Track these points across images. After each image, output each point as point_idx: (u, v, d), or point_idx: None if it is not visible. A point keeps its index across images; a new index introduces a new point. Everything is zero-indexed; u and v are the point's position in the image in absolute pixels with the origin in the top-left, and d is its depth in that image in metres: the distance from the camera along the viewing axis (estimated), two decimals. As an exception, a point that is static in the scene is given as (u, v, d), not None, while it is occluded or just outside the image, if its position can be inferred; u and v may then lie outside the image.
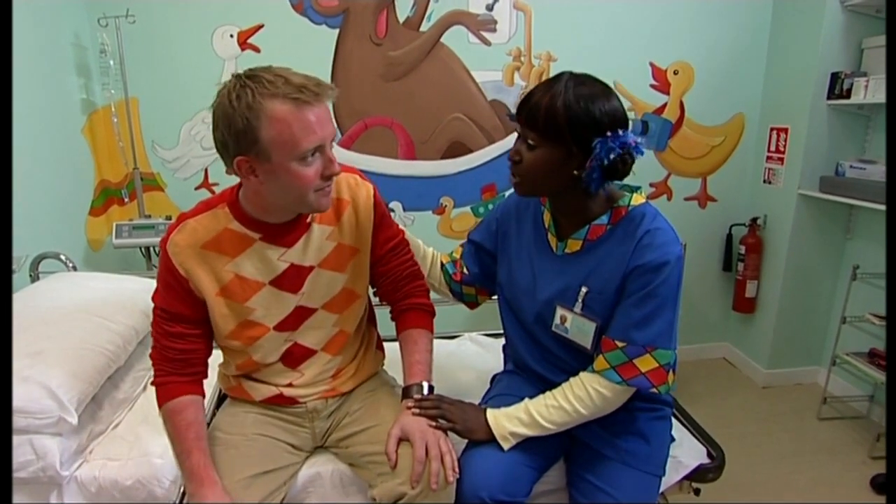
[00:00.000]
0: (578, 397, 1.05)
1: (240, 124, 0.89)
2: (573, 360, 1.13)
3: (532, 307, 1.14)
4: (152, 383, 1.09)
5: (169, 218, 2.37)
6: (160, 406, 1.07)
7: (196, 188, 2.58)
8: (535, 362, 1.20)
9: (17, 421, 1.11)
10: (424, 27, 2.49)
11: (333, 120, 0.98)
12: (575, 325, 1.08)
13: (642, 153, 0.96)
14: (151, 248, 2.40)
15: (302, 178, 0.94)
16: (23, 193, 1.86)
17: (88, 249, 2.37)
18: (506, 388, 1.26)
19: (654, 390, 1.01)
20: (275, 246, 1.07)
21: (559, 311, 1.10)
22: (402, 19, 2.48)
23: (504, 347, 1.42)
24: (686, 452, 1.23)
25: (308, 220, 1.09)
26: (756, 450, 2.26)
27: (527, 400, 1.11)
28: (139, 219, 2.34)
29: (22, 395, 1.12)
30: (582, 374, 1.08)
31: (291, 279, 1.09)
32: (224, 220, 1.05)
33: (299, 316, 1.12)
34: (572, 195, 1.04)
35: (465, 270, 1.32)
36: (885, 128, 2.21)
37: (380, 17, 2.47)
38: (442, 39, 2.51)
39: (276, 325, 1.11)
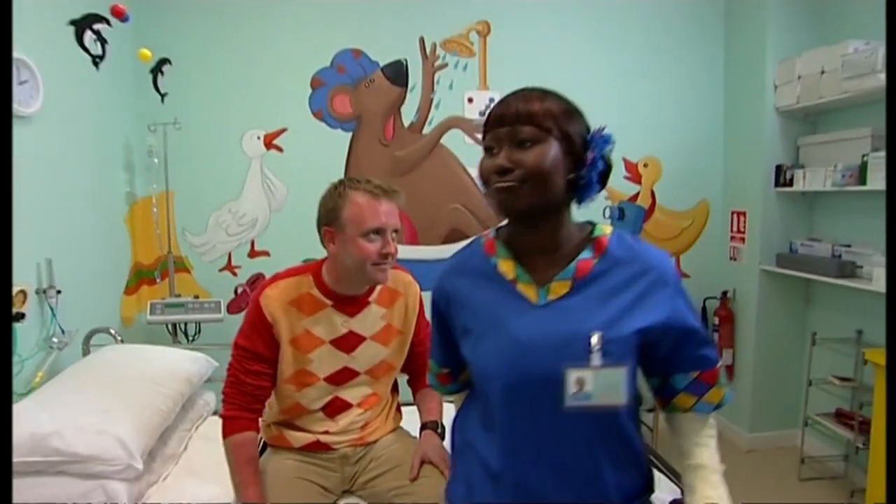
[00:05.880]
0: (710, 435, 0.96)
1: (330, 204, 1.25)
2: (588, 454, 0.86)
3: (532, 384, 0.85)
4: (221, 415, 1.30)
5: (197, 297, 2.62)
6: (225, 437, 1.28)
7: (220, 270, 2.85)
8: (542, 470, 0.87)
9: (92, 467, 1.31)
10: (426, 130, 2.90)
11: (397, 217, 1.30)
12: (599, 384, 0.82)
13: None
14: (177, 325, 2.62)
15: (364, 251, 1.24)
16: (73, 274, 2.10)
17: (121, 325, 2.59)
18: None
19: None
20: (341, 313, 1.33)
21: (572, 375, 0.82)
22: (406, 124, 2.89)
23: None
24: (662, 489, 1.43)
25: (369, 298, 1.37)
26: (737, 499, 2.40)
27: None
28: (170, 298, 2.59)
29: (97, 445, 1.32)
30: (695, 420, 0.94)
31: (347, 342, 1.35)
32: (307, 286, 1.32)
33: (346, 375, 1.37)
34: (556, 219, 0.88)
35: (443, 370, 1.07)
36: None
37: (388, 122, 2.87)
38: (441, 141, 2.90)
39: (326, 377, 1.34)
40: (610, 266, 0.88)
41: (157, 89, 2.56)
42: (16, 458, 1.28)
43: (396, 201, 1.27)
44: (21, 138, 1.87)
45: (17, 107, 1.81)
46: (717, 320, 3.05)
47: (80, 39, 1.85)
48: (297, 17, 2.79)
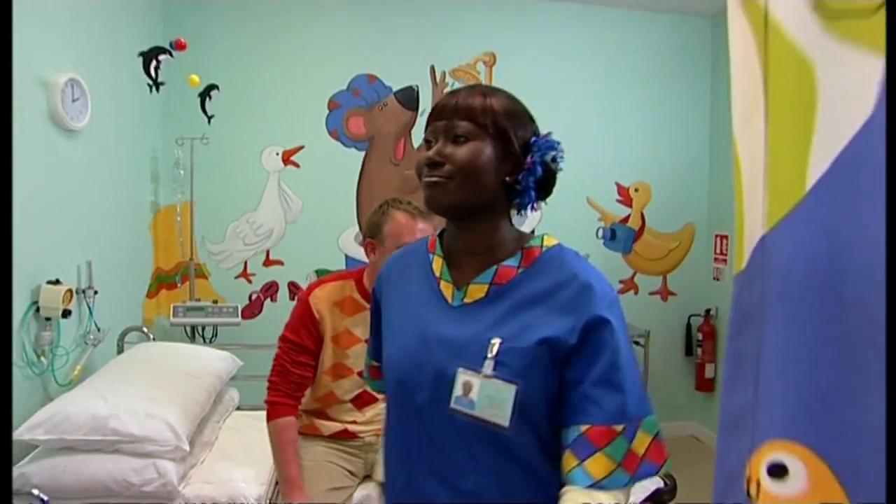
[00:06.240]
0: None
1: (374, 220, 1.45)
2: (473, 468, 0.79)
3: (423, 381, 0.82)
4: (266, 401, 1.47)
5: (215, 302, 2.78)
6: (270, 420, 1.45)
7: (236, 277, 3.02)
8: (426, 473, 0.82)
9: (145, 447, 1.47)
10: (434, 151, 3.10)
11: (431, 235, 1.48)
12: (484, 394, 0.77)
13: (561, 168, 0.86)
14: (195, 328, 2.78)
15: None
16: (104, 277, 2.25)
17: (143, 326, 2.74)
18: None
19: (661, 472, 0.79)
20: None
21: (461, 377, 0.78)
22: (416, 145, 3.09)
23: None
24: (644, 482, 1.62)
25: None
26: None
27: None
28: (190, 302, 2.75)
29: (149, 427, 1.49)
30: (572, 496, 0.75)
31: None
32: (349, 290, 1.51)
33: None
34: (488, 222, 0.84)
35: (372, 362, 1.04)
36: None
37: (399, 143, 3.08)
38: (448, 161, 3.11)
39: (359, 372, 1.52)
40: (533, 277, 0.82)
41: (204, 111, 2.77)
42: (78, 436, 1.44)
43: (432, 222, 1.46)
44: (69, 151, 2.06)
45: (70, 121, 1.99)
46: (700, 336, 3.27)
47: (146, 68, 2.07)
48: (317, 44, 3.00)
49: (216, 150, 2.89)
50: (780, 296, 0.57)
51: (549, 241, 0.86)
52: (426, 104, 3.09)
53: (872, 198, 0.49)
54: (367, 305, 1.50)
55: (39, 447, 1.51)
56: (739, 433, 0.61)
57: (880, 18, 0.48)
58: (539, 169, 0.81)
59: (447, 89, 3.09)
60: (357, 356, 1.51)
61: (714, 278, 3.32)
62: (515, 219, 0.88)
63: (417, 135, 3.09)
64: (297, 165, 3.01)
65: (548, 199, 0.87)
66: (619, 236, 3.32)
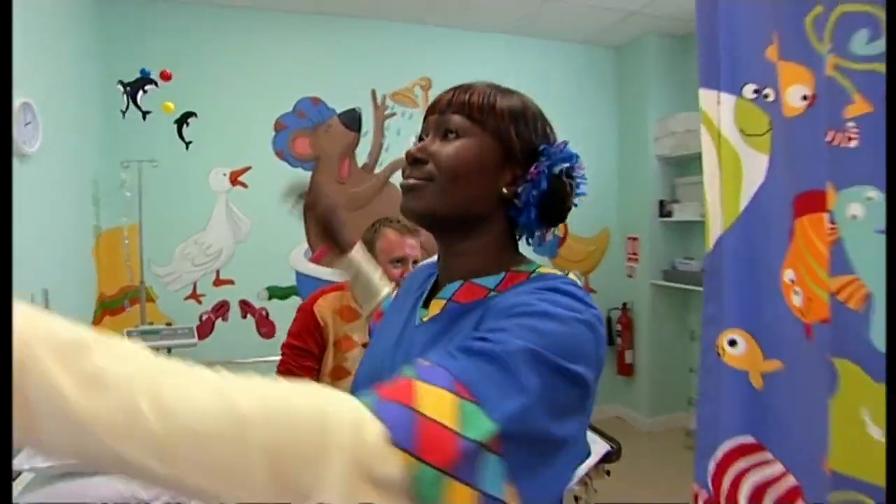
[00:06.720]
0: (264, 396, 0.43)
1: (367, 237, 1.62)
2: None
3: None
4: None
5: (169, 324, 2.78)
6: None
7: (185, 299, 3.02)
8: None
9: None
10: (377, 170, 3.30)
11: (419, 250, 1.64)
12: None
13: (584, 192, 0.71)
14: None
15: (390, 274, 1.60)
16: (59, 307, 2.24)
17: (92, 355, 2.68)
18: None
19: (417, 462, 0.43)
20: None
21: None
22: (360, 164, 3.27)
23: None
24: (597, 447, 1.92)
25: None
26: (644, 472, 3.00)
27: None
28: (143, 326, 2.73)
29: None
30: None
31: None
32: (347, 299, 1.66)
33: None
34: (479, 241, 0.71)
35: None
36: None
37: (343, 162, 3.24)
38: (391, 179, 3.32)
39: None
40: (500, 301, 0.63)
41: (181, 137, 2.78)
42: (83, 460, 1.49)
43: (418, 237, 1.67)
44: (23, 176, 2.03)
45: (23, 146, 1.98)
46: (619, 327, 3.71)
47: (133, 97, 2.10)
48: (263, 67, 3.10)
49: (163, 172, 2.89)
50: (730, 262, 1.14)
51: (545, 270, 0.70)
52: (368, 126, 3.28)
53: (767, 219, 1.11)
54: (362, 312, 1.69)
55: (34, 477, 1.53)
56: (712, 326, 1.19)
57: (767, 137, 1.12)
58: (544, 182, 0.66)
59: (387, 112, 3.31)
60: (354, 360, 1.68)
61: (628, 276, 3.78)
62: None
63: (360, 154, 3.27)
64: (244, 185, 3.08)
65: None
66: (547, 242, 3.68)
